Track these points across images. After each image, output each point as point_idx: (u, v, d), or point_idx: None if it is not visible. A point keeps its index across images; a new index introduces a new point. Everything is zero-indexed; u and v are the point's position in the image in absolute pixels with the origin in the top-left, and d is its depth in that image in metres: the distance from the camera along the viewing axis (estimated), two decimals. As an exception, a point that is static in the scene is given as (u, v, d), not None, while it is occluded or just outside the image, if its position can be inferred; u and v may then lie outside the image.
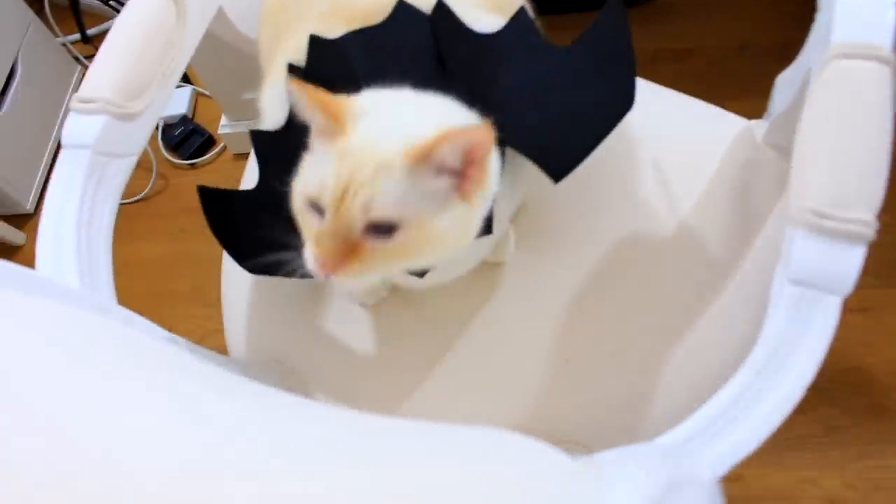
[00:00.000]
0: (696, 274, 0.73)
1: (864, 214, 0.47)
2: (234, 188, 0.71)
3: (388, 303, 0.77)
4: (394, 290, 0.77)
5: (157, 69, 0.69)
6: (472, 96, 0.57)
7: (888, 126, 0.50)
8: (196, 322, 1.53)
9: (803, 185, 0.48)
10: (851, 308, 1.25)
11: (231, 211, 0.69)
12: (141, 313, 1.59)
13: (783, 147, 0.76)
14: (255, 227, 0.66)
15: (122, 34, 0.69)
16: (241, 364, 0.77)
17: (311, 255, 0.53)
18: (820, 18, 0.61)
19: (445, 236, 0.53)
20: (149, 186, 1.65)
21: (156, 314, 1.51)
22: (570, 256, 0.76)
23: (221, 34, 0.82)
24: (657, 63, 1.64)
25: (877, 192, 0.48)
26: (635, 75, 0.63)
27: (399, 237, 0.51)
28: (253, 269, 0.68)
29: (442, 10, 0.63)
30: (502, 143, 0.59)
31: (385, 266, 0.53)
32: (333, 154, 0.52)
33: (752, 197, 0.76)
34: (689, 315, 0.71)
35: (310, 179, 0.54)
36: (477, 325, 0.75)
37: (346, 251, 0.51)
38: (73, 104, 0.65)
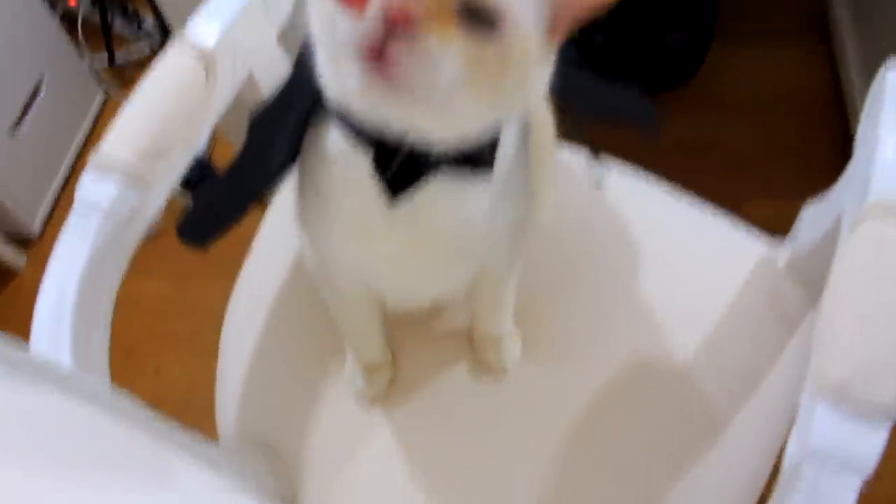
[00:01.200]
0: (701, 409, 0.71)
1: (891, 395, 0.45)
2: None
3: (386, 401, 0.75)
4: (393, 385, 0.75)
5: (181, 135, 0.68)
6: None
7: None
8: (188, 369, 1.51)
9: (829, 356, 0.47)
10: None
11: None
12: (135, 351, 1.57)
13: (807, 278, 0.75)
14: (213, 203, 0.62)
15: (149, 95, 0.68)
16: (230, 451, 0.74)
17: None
18: (856, 163, 0.60)
19: (537, 64, 0.45)
20: (159, 223, 1.64)
21: (150, 354, 1.51)
22: (575, 375, 0.74)
23: (248, 96, 0.81)
24: (679, 154, 1.63)
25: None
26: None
27: (501, 36, 0.41)
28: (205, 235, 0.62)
29: None
30: None
31: (468, 63, 0.41)
32: None
33: (769, 331, 0.74)
34: (690, 454, 0.69)
35: None
36: (473, 438, 0.73)
37: (436, 16, 0.39)
38: (92, 162, 0.64)
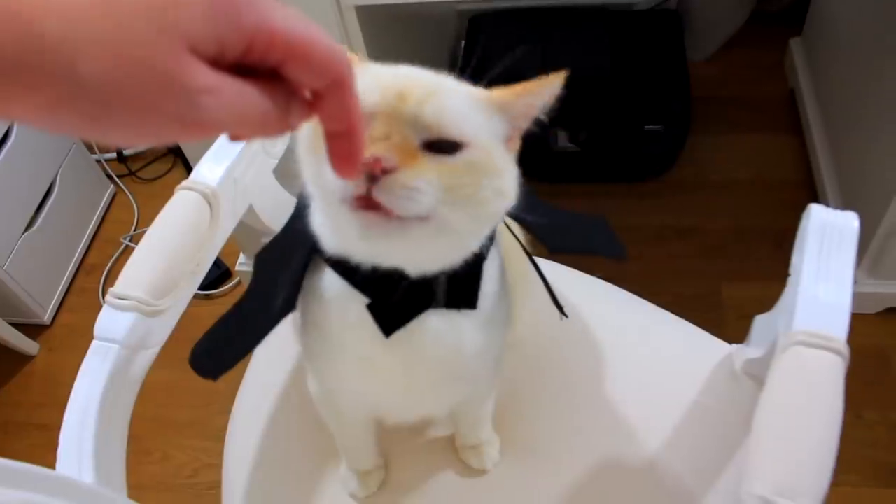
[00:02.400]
0: (671, 501, 0.77)
1: (809, 507, 0.52)
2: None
3: (379, 501, 0.81)
4: (384, 485, 0.82)
5: (188, 267, 0.76)
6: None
7: (839, 418, 0.55)
8: (192, 454, 1.57)
9: (754, 471, 0.53)
10: (833, 505, 1.29)
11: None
12: (143, 437, 1.62)
13: (761, 379, 0.81)
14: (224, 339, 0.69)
15: (158, 235, 0.76)
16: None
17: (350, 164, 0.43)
18: (788, 291, 0.67)
19: (503, 171, 0.51)
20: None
21: (156, 440, 1.56)
22: (551, 472, 0.80)
23: (250, 223, 0.89)
24: (661, 239, 1.72)
25: (822, 485, 0.53)
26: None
27: (463, 155, 0.48)
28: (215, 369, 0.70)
29: None
30: None
31: (443, 185, 0.47)
32: (367, 74, 0.48)
33: (728, 426, 0.80)
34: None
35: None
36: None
37: (403, 157, 0.46)
38: (109, 299, 0.72)
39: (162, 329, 0.75)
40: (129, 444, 1.57)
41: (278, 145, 0.86)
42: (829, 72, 1.70)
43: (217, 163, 0.80)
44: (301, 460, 0.86)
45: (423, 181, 0.46)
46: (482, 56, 1.77)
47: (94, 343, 0.71)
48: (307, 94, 0.37)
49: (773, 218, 1.70)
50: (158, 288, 0.73)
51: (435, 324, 0.59)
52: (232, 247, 1.76)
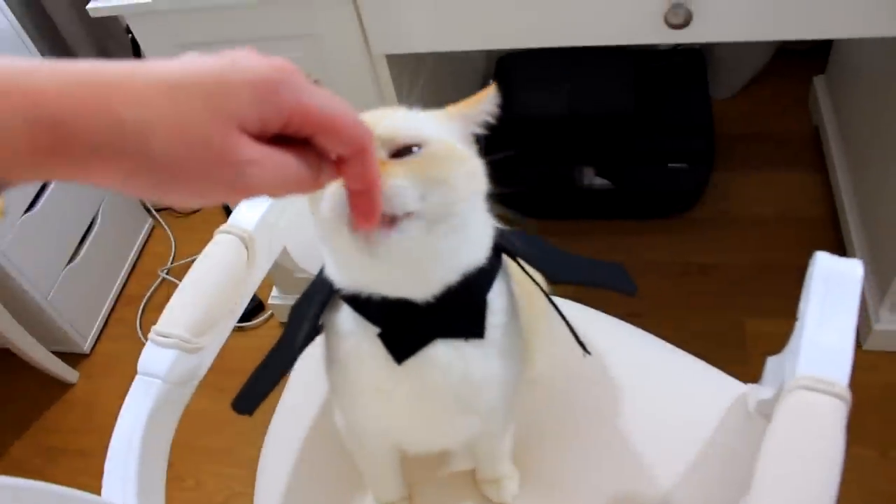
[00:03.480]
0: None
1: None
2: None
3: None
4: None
5: (227, 307, 0.81)
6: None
7: (839, 461, 0.58)
8: (224, 482, 1.61)
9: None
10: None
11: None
12: (176, 464, 1.67)
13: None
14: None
15: (199, 276, 0.81)
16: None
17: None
18: (794, 335, 0.70)
19: (467, 156, 0.59)
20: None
21: (188, 467, 1.61)
22: (568, 507, 0.83)
23: (284, 263, 0.94)
24: (685, 275, 1.74)
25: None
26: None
27: (424, 150, 0.55)
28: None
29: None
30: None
31: (416, 173, 0.53)
32: None
33: (742, 466, 0.83)
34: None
35: None
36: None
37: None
38: (152, 336, 0.77)
39: (201, 365, 0.79)
40: (163, 471, 1.63)
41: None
42: (852, 109, 1.72)
43: (254, 208, 0.85)
44: (330, 491, 0.90)
45: (400, 178, 0.52)
46: (510, 96, 1.82)
47: (138, 378, 0.76)
48: (333, 157, 0.44)
49: (797, 255, 1.70)
50: (198, 326, 0.77)
51: (444, 353, 0.63)
52: (266, 280, 1.81)
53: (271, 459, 0.94)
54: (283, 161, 0.40)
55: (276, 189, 0.41)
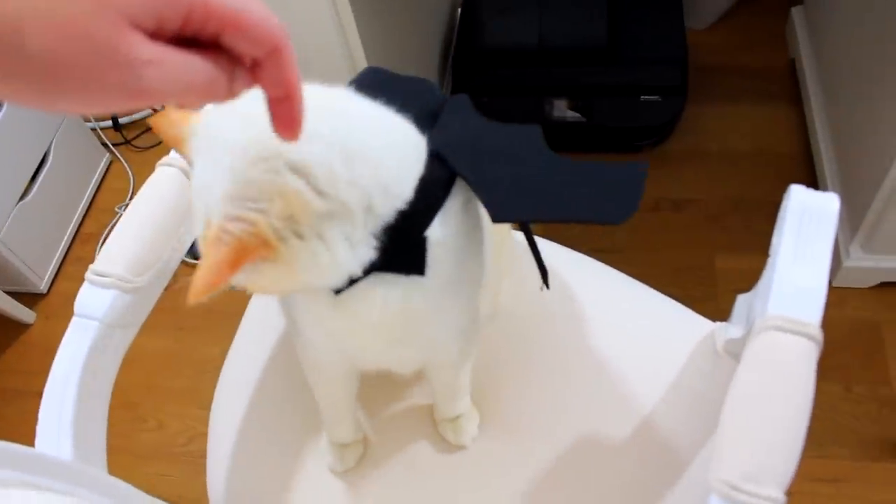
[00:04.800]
0: (652, 475, 0.78)
1: (774, 492, 0.52)
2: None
3: (359, 473, 0.82)
4: (362, 460, 0.82)
5: (170, 244, 0.76)
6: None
7: (808, 403, 0.55)
8: (187, 422, 1.58)
9: (722, 456, 0.54)
10: (822, 478, 1.30)
11: None
12: (138, 405, 1.64)
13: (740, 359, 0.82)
14: None
15: (138, 211, 0.76)
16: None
17: None
18: (766, 273, 0.67)
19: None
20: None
21: (150, 408, 1.58)
22: (533, 444, 0.81)
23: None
24: (657, 210, 1.71)
25: (788, 471, 0.53)
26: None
27: None
28: None
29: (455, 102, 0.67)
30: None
31: None
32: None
33: (709, 403, 0.81)
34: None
35: None
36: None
37: None
38: (88, 276, 0.72)
39: (142, 306, 0.75)
40: (124, 411, 1.59)
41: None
42: (829, 42, 1.68)
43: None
44: (285, 433, 0.87)
45: None
46: (480, 26, 1.76)
47: (74, 320, 0.71)
48: (248, 63, 0.39)
49: (770, 190, 1.68)
50: (138, 265, 0.73)
51: (382, 288, 0.59)
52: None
53: (225, 400, 0.91)
54: (185, 62, 0.36)
55: (182, 94, 0.37)
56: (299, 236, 0.51)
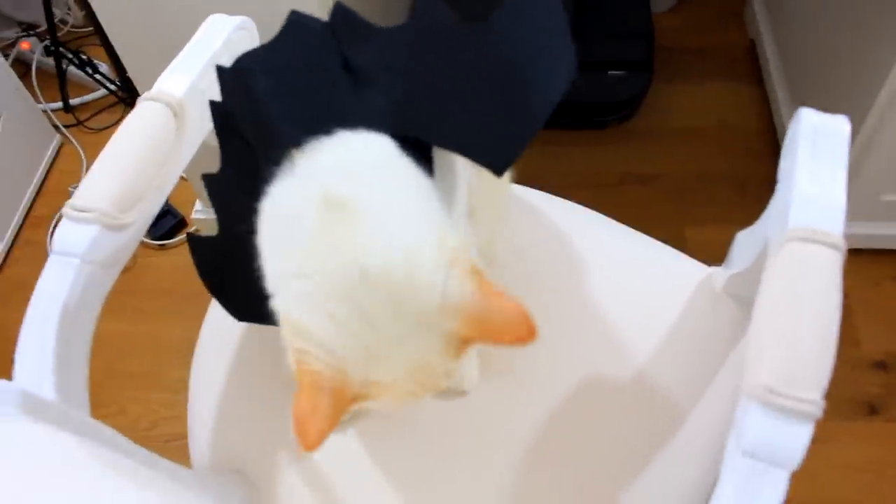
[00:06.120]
0: (654, 419, 0.76)
1: (813, 394, 0.51)
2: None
3: (355, 426, 0.78)
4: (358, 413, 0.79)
5: (154, 181, 0.71)
6: (386, 99, 0.56)
7: (837, 309, 0.54)
8: (150, 406, 1.52)
9: (758, 363, 0.52)
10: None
11: (215, 257, 0.71)
12: (98, 390, 1.57)
13: (742, 297, 0.81)
14: (233, 273, 0.64)
15: (121, 145, 0.71)
16: (205, 478, 0.77)
17: None
18: (778, 195, 0.66)
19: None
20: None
21: (110, 393, 1.51)
22: (531, 394, 0.78)
23: (211, 141, 0.85)
24: (623, 185, 1.71)
25: (824, 373, 0.51)
26: (572, 45, 0.58)
27: None
28: (241, 317, 0.70)
29: (340, 12, 0.63)
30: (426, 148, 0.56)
31: None
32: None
33: (710, 345, 0.80)
34: (644, 460, 0.74)
35: None
36: (440, 456, 0.77)
37: None
38: (67, 211, 0.67)
39: (126, 246, 0.70)
40: (83, 395, 1.52)
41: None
42: (788, 21, 1.70)
43: (183, 73, 0.75)
44: (270, 392, 0.83)
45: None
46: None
47: (52, 258, 0.66)
48: None
49: (735, 164, 1.71)
50: (123, 200, 0.68)
51: None
52: (188, 194, 1.70)
53: (203, 378, 0.86)
54: None
55: None
56: None
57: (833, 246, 0.57)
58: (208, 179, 0.71)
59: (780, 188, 0.65)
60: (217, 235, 0.70)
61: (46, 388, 0.61)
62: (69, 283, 0.65)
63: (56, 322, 0.64)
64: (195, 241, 0.73)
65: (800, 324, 0.53)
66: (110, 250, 0.68)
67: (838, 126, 0.65)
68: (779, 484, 0.50)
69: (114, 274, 0.71)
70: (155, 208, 0.73)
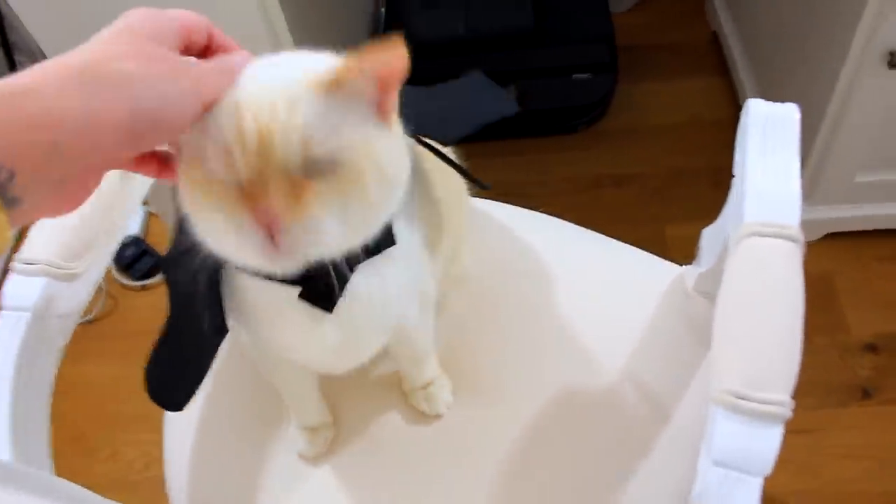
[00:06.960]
0: (629, 428, 0.75)
1: (780, 394, 0.49)
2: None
3: (331, 457, 0.77)
4: (334, 443, 0.77)
5: (101, 227, 0.70)
6: None
7: (799, 303, 0.53)
8: (142, 448, 1.50)
9: (722, 367, 0.51)
10: (797, 430, 1.29)
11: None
12: (88, 436, 1.55)
13: (712, 295, 0.79)
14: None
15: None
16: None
17: (248, 221, 0.45)
18: (734, 190, 0.65)
19: (386, 160, 0.49)
20: (98, 308, 1.63)
21: (101, 438, 1.49)
22: (507, 409, 0.77)
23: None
24: (599, 188, 1.70)
25: (790, 372, 0.50)
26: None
27: (343, 171, 0.46)
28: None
29: None
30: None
31: (338, 207, 0.46)
32: (221, 110, 0.46)
33: (685, 347, 0.78)
34: (625, 467, 0.73)
35: (206, 149, 0.45)
36: (417, 480, 0.75)
37: (291, 200, 0.44)
38: (15, 265, 0.66)
39: (78, 295, 0.69)
40: (74, 444, 1.50)
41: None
42: (748, 10, 1.70)
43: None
44: (247, 428, 0.81)
45: (323, 220, 0.46)
46: (406, 21, 1.73)
47: (3, 315, 0.65)
48: None
49: (709, 158, 1.70)
50: (70, 249, 0.67)
51: (361, 280, 0.55)
52: (166, 234, 1.68)
53: (176, 425, 0.85)
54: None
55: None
56: None
57: (790, 238, 0.56)
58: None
59: (735, 183, 0.64)
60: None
61: (2, 449, 0.59)
62: (21, 336, 0.64)
63: (10, 381, 0.62)
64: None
65: (761, 322, 0.52)
66: (62, 300, 0.67)
67: (788, 114, 0.64)
68: (752, 492, 0.49)
69: (71, 323, 0.69)
70: (106, 254, 0.72)
